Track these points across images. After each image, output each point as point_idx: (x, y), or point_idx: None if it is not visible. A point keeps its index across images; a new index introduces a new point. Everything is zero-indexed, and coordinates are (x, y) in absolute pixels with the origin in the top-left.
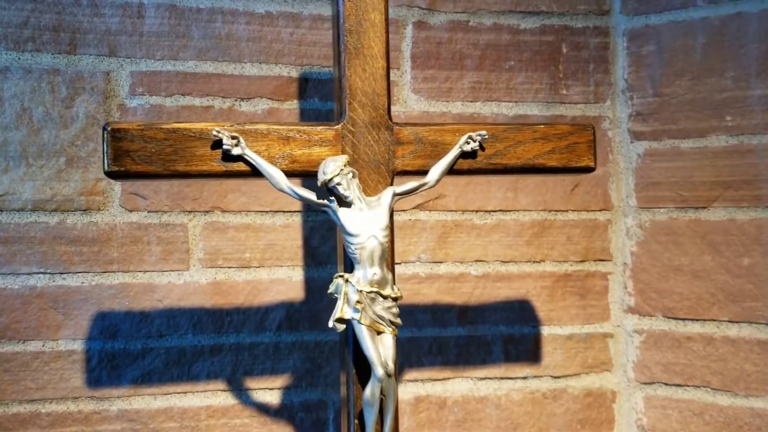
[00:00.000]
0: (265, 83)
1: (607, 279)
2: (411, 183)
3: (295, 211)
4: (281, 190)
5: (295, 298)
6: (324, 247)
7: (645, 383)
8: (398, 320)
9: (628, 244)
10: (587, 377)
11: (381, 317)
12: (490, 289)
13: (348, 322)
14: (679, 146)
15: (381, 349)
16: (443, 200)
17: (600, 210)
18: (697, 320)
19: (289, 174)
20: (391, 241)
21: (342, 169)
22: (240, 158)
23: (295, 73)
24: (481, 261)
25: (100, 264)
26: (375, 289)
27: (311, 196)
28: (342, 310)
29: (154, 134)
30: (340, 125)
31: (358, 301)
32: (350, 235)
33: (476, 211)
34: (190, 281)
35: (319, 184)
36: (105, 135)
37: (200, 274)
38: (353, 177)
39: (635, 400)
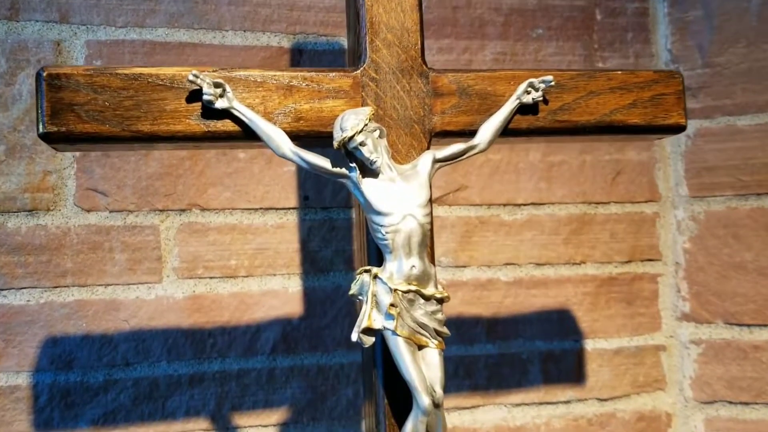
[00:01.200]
0: (250, 55)
1: (657, 282)
2: (455, 146)
3: (289, 209)
4: (283, 156)
5: (291, 313)
6: (326, 251)
7: (705, 402)
8: (445, 329)
9: (680, 240)
10: (638, 398)
11: (423, 326)
12: (524, 297)
13: (378, 334)
14: (735, 124)
15: (425, 370)
16: (465, 193)
17: (646, 201)
18: (766, 326)
19: (293, 136)
20: (432, 223)
21: (366, 124)
22: (226, 114)
23: (286, 43)
24: (512, 264)
25: (50, 277)
26: (414, 288)
27: (323, 162)
28: (370, 317)
29: (108, 82)
30: (359, 71)
31: (392, 305)
32: (379, 213)
33: (504, 205)
34: (163, 296)
35: (335, 144)
36: (40, 83)
37: (176, 286)
38: (381, 136)
39: (694, 422)
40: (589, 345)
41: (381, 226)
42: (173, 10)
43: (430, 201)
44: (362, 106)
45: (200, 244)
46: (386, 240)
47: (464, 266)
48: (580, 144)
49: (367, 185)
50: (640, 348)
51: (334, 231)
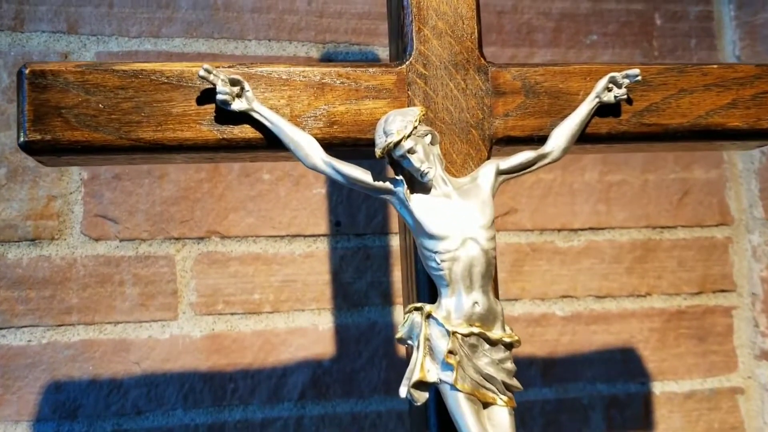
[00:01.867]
0: None
1: (732, 315)
2: (522, 155)
3: (319, 236)
4: (314, 167)
5: (322, 353)
6: (360, 283)
7: None
8: (515, 382)
9: (757, 267)
10: None
11: (489, 378)
12: (583, 334)
13: (432, 388)
14: None
15: None
16: (515, 217)
17: (717, 225)
18: None
19: (326, 144)
20: (496, 249)
21: (416, 127)
22: (244, 117)
23: (315, 53)
24: (569, 297)
25: (53, 314)
26: (477, 330)
27: (362, 175)
28: (423, 367)
29: (102, 80)
30: (404, 65)
31: (450, 352)
32: (433, 237)
33: (559, 231)
34: (178, 335)
35: (378, 152)
36: (21, 82)
37: (192, 324)
38: (433, 142)
39: None
40: (657, 388)
41: (435, 252)
42: (191, 18)
43: (494, 222)
44: (409, 106)
45: (220, 277)
46: (442, 270)
47: (515, 299)
48: (642, 161)
49: (417, 202)
50: (714, 391)
51: (369, 260)
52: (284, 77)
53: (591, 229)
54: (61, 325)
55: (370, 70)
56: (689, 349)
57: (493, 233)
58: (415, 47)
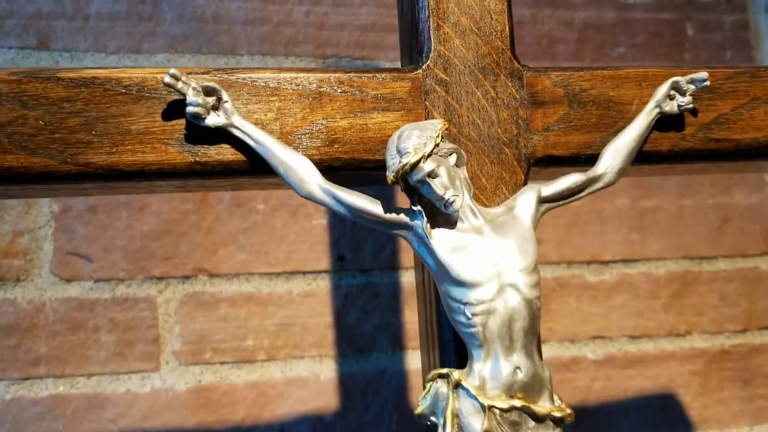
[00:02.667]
0: None
1: None
2: (568, 178)
3: (320, 272)
4: (309, 196)
5: (324, 407)
6: (366, 326)
7: None
8: None
9: None
10: None
11: None
12: (617, 379)
13: None
14: None
15: None
16: (539, 248)
17: (761, 254)
18: None
19: (325, 167)
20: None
21: (437, 144)
22: (223, 135)
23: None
24: (601, 337)
25: (18, 366)
26: (520, 403)
27: (370, 205)
28: None
29: (44, 91)
30: (420, 70)
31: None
32: (462, 284)
33: (588, 263)
34: (160, 388)
35: (390, 176)
36: None
37: (177, 375)
38: (459, 163)
39: None
40: None
41: (465, 304)
42: (176, 31)
43: (537, 264)
44: (426, 119)
45: (208, 321)
46: (474, 327)
47: (542, 341)
48: (677, 185)
49: (441, 240)
50: None
51: (376, 300)
52: (272, 85)
53: (624, 261)
54: (28, 379)
55: (379, 76)
56: (734, 394)
57: (537, 278)
58: (433, 48)
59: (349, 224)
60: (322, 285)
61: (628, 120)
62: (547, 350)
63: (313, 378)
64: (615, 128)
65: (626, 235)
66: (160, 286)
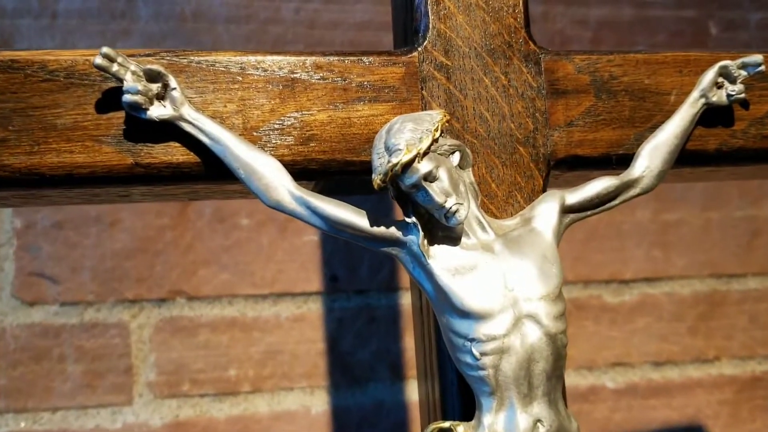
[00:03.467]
0: None
1: None
2: (598, 183)
3: (311, 294)
4: (277, 206)
5: None
6: (362, 353)
7: None
8: None
9: None
10: None
11: None
12: (639, 409)
13: None
14: None
15: None
16: None
17: None
18: None
19: (299, 170)
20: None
21: (436, 140)
22: (172, 130)
23: None
24: (622, 364)
25: None
26: None
27: (354, 217)
28: None
29: None
30: (415, 52)
31: None
32: (468, 316)
33: (607, 282)
34: (134, 423)
35: (376, 180)
36: None
37: (152, 410)
38: (464, 164)
39: None
40: None
41: (472, 341)
42: (153, 30)
43: (562, 289)
44: (423, 111)
45: (186, 348)
46: (482, 370)
47: None
48: (702, 196)
49: (441, 260)
50: None
51: (373, 324)
52: (234, 70)
53: (645, 279)
54: None
55: (365, 59)
56: (767, 424)
57: (561, 308)
58: (431, 26)
59: (344, 240)
60: (314, 308)
61: (668, 113)
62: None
63: (304, 412)
64: (652, 123)
65: (648, 252)
66: (133, 311)
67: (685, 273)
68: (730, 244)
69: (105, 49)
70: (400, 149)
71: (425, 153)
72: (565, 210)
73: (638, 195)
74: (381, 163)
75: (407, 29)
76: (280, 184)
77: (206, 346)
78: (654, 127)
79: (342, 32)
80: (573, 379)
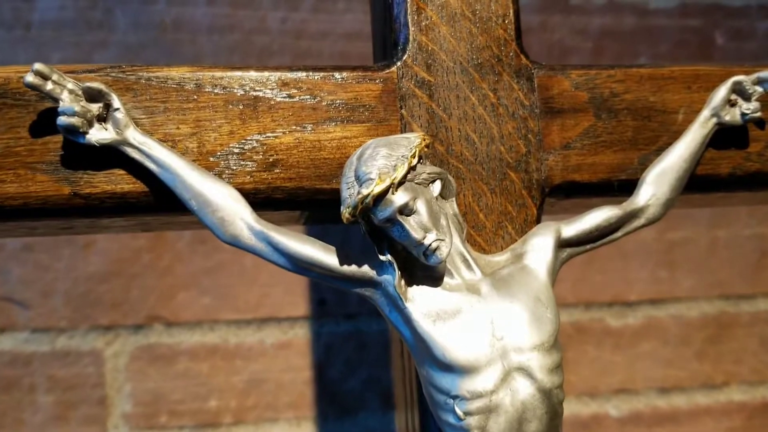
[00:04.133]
0: None
1: None
2: (598, 214)
3: (298, 318)
4: (234, 242)
5: None
6: (352, 381)
7: None
8: None
9: None
10: None
11: None
12: None
13: None
14: None
15: None
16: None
17: None
18: None
19: (261, 201)
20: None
21: (413, 167)
22: (116, 156)
23: None
24: (626, 391)
25: None
26: None
27: (321, 254)
28: None
29: None
30: (394, 67)
31: None
32: (450, 369)
33: (610, 305)
34: None
35: (345, 213)
36: None
37: None
38: (447, 194)
39: None
40: None
41: (455, 398)
42: (131, 41)
43: (558, 336)
44: (403, 133)
45: (164, 378)
46: (467, 431)
47: None
48: (709, 214)
49: (420, 302)
50: None
51: (363, 350)
52: (189, 88)
53: (650, 301)
54: None
55: (338, 75)
56: None
57: (557, 358)
58: (412, 38)
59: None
60: (301, 334)
61: (675, 134)
62: (564, 407)
63: None
64: (658, 145)
65: (652, 272)
66: (107, 338)
67: (692, 294)
68: (739, 263)
69: (37, 66)
70: (371, 179)
71: (400, 183)
72: (562, 244)
73: (643, 226)
74: (350, 194)
75: (386, 42)
76: (238, 217)
77: (185, 375)
78: (660, 150)
79: (330, 42)
80: (574, 407)
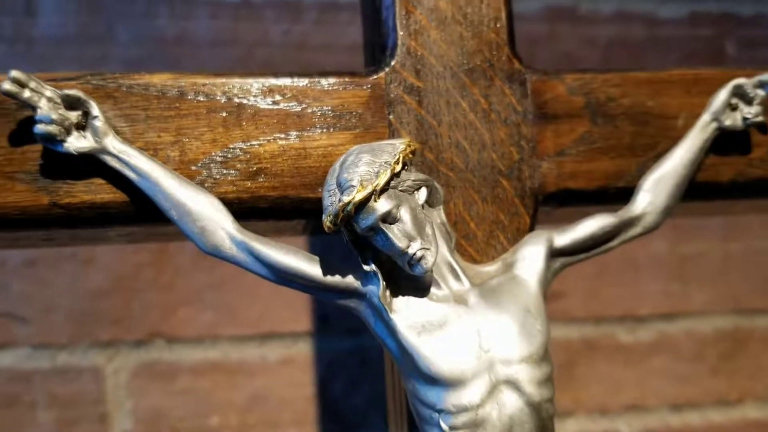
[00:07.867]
0: None
1: None
2: (593, 222)
3: (300, 334)
4: (215, 252)
5: None
6: (355, 398)
7: None
8: None
9: None
10: None
11: None
12: None
13: None
14: None
15: None
16: (563, 302)
17: None
18: None
19: (244, 210)
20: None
21: (397, 174)
22: (95, 165)
23: None
24: (637, 408)
25: None
26: None
27: (305, 264)
28: None
29: None
30: (382, 72)
31: None
32: (436, 382)
33: (621, 319)
34: None
35: (326, 222)
36: None
37: None
38: (433, 202)
39: None
40: None
41: (440, 412)
42: (133, 55)
43: (548, 348)
44: (389, 139)
45: (165, 395)
46: None
47: (566, 415)
48: (722, 226)
49: (406, 313)
50: None
51: (366, 367)
52: (171, 95)
53: (662, 316)
54: None
55: (324, 82)
56: None
57: (547, 371)
58: (400, 42)
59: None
60: (303, 350)
61: (674, 140)
62: (574, 424)
63: None
64: (656, 151)
65: (665, 286)
66: (108, 353)
67: (705, 309)
68: (753, 276)
69: (14, 73)
70: (353, 186)
71: (383, 190)
72: (554, 253)
73: (640, 235)
74: (332, 201)
75: (374, 48)
76: (219, 227)
77: (187, 391)
78: (659, 156)
79: (334, 55)
80: (584, 425)
